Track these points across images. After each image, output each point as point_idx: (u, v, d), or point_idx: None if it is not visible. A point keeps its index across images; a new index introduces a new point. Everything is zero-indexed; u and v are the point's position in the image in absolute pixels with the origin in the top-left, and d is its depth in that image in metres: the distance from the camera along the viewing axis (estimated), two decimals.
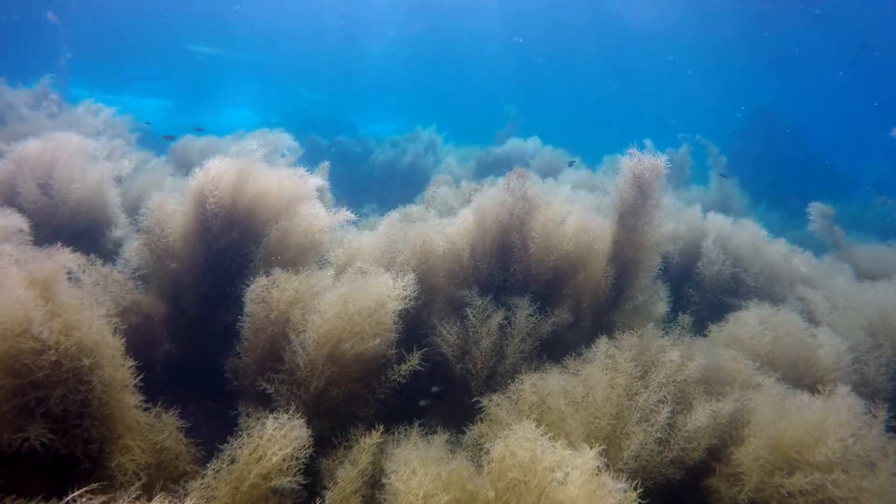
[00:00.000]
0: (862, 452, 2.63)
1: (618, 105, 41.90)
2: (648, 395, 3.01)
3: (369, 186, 11.97)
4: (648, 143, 7.30)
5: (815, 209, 6.98)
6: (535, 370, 3.45)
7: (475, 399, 3.39)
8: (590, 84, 35.36)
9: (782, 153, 18.75)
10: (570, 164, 10.14)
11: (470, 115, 41.89)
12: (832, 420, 2.72)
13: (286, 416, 2.68)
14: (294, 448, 2.59)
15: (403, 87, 38.19)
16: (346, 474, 2.66)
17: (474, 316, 3.72)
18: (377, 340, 3.23)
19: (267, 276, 3.46)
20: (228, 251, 4.02)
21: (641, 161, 3.94)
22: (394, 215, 4.32)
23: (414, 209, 5.82)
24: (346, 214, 4.16)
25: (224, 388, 3.69)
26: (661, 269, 4.90)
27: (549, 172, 9.04)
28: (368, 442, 2.69)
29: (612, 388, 3.09)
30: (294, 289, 3.39)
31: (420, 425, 3.36)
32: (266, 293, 3.39)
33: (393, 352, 3.43)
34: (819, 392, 3.34)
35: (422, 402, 3.71)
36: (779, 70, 28.47)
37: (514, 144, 11.96)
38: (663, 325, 4.41)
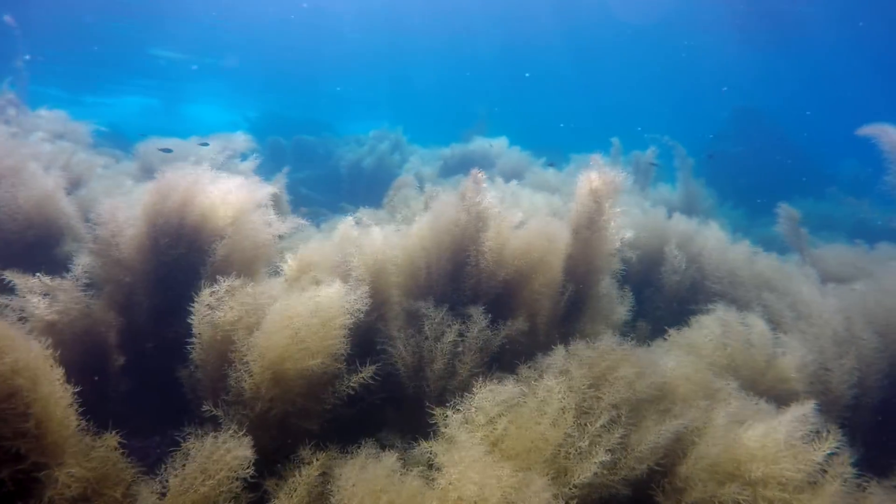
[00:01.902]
0: (803, 468, 2.60)
1: (592, 104, 42.04)
2: (600, 415, 2.96)
3: (338, 187, 11.85)
4: (616, 141, 7.28)
5: (783, 211, 7.01)
6: (490, 380, 3.39)
7: (428, 412, 3.33)
8: (561, 81, 35.39)
9: (764, 152, 18.92)
10: (550, 165, 10.10)
11: (444, 114, 41.78)
12: (775, 436, 2.70)
13: (229, 436, 2.60)
14: (232, 470, 2.51)
15: (378, 87, 37.93)
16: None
17: (429, 329, 3.66)
18: (319, 359, 3.13)
19: (213, 294, 3.35)
20: (178, 264, 3.91)
21: (599, 175, 3.95)
22: (348, 222, 4.22)
23: (376, 214, 5.73)
24: (297, 221, 4.07)
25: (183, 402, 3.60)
26: (622, 274, 4.88)
27: (514, 173, 9.01)
28: (306, 474, 2.60)
29: (563, 410, 3.03)
30: (239, 306, 3.28)
31: (377, 439, 3.31)
32: (211, 313, 3.28)
33: (343, 366, 3.36)
34: (778, 401, 3.35)
35: None
36: (762, 69, 28.79)
37: (480, 144, 11.91)
38: (624, 331, 4.38)
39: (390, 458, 2.90)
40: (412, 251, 4.15)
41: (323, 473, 2.86)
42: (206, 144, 5.79)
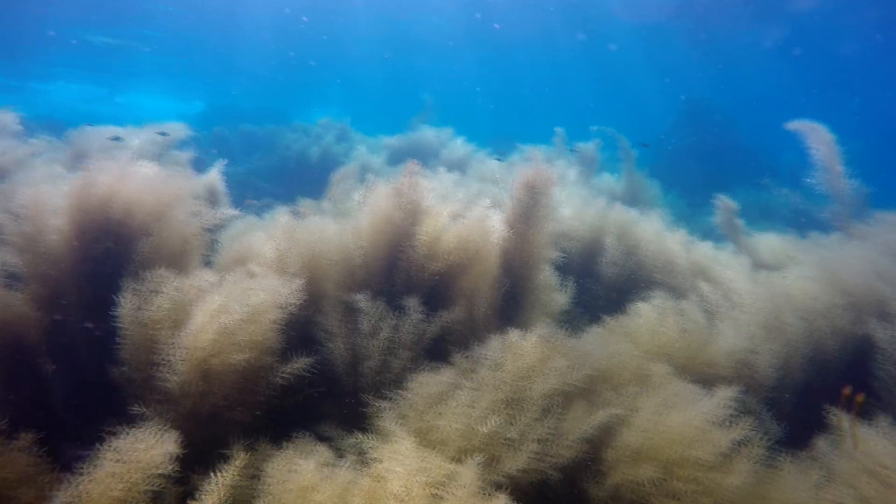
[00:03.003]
0: (716, 450, 2.72)
1: (545, 96, 42.41)
2: (531, 406, 3.01)
3: (289, 178, 11.64)
4: (560, 131, 7.38)
5: (720, 202, 7.25)
6: (427, 371, 3.40)
7: (366, 404, 3.33)
8: (515, 73, 35.56)
9: (713, 144, 19.42)
10: (498, 156, 10.16)
11: (393, 102, 41.46)
12: (693, 421, 2.80)
13: (152, 433, 2.52)
14: (151, 468, 2.44)
15: (327, 75, 37.26)
16: None
17: (365, 325, 3.65)
18: (250, 353, 3.08)
19: (139, 291, 3.24)
20: (105, 258, 3.76)
21: (534, 170, 4.01)
22: (285, 215, 4.16)
23: (319, 205, 5.65)
24: (233, 213, 3.98)
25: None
26: (562, 264, 4.96)
27: (458, 163, 9.04)
28: (227, 474, 2.54)
29: (496, 400, 3.07)
30: (166, 302, 3.19)
31: (315, 431, 3.28)
32: (136, 312, 3.18)
33: (276, 360, 3.32)
34: (708, 385, 3.48)
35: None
36: (714, 63, 29.55)
37: (425, 134, 11.89)
38: (563, 320, 4.46)
39: (324, 453, 2.89)
40: (349, 245, 4.12)
41: (255, 468, 2.83)
42: (118, 139, 5.54)
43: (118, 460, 2.35)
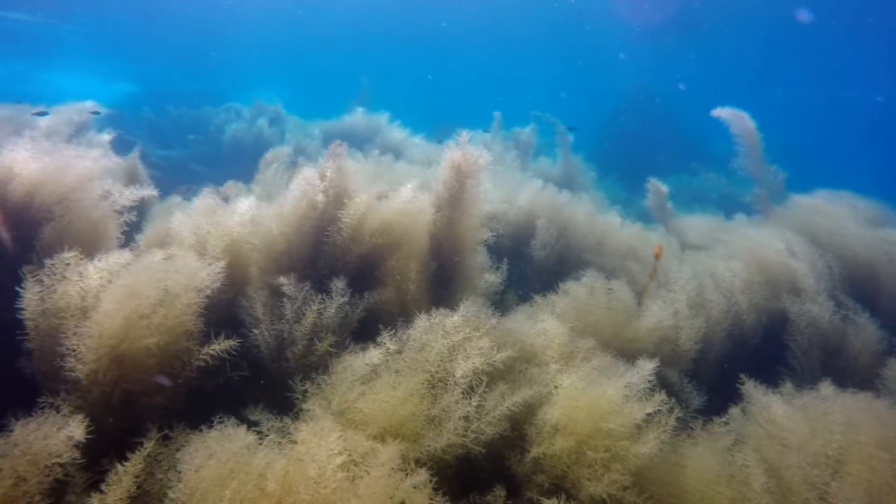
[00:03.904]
0: (628, 421, 2.81)
1: (489, 80, 42.62)
2: (456, 385, 3.03)
3: (223, 162, 11.27)
4: (498, 115, 7.43)
5: (652, 186, 7.48)
6: (354, 352, 3.37)
7: (289, 390, 3.27)
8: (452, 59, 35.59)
9: (653, 130, 19.95)
10: (438, 140, 10.11)
11: (330, 85, 40.78)
12: (609, 395, 2.89)
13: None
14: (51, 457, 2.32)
15: (264, 56, 36.21)
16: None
17: (289, 310, 3.58)
18: (165, 338, 2.97)
19: (38, 278, 3.05)
20: (9, 244, 3.53)
21: (462, 153, 4.02)
22: (207, 197, 4.02)
23: (249, 189, 5.49)
24: (149, 193, 3.80)
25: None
26: (494, 246, 5.01)
27: (394, 147, 8.99)
28: (131, 465, 2.44)
29: (420, 380, 3.07)
30: (72, 288, 3.02)
31: (240, 416, 3.20)
32: (40, 300, 2.99)
33: (195, 344, 3.21)
34: (633, 359, 3.59)
35: None
36: (653, 50, 30.41)
37: (360, 118, 11.75)
38: (495, 301, 4.50)
39: (245, 438, 2.82)
40: (274, 228, 4.04)
41: (171, 455, 2.74)
42: (44, 114, 5.20)
43: (13, 450, 2.23)
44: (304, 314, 3.61)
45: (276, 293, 3.76)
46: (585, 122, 20.83)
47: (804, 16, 22.95)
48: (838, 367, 4.80)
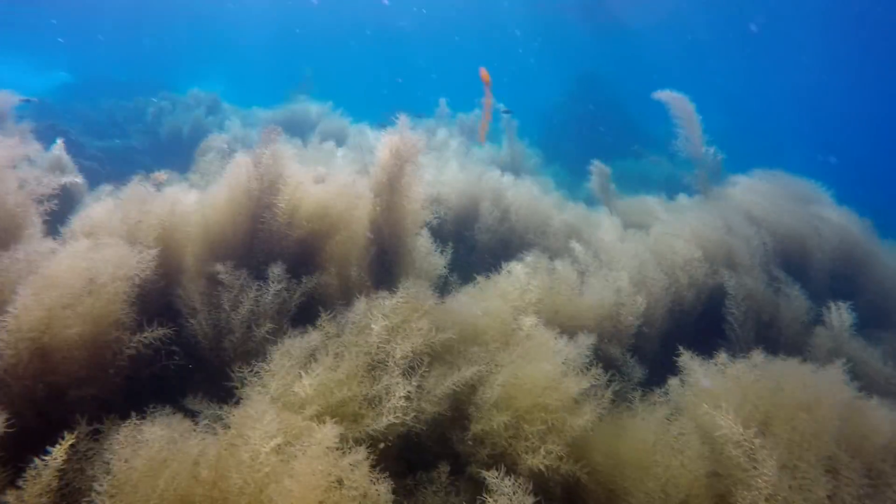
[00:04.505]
0: (565, 396, 2.85)
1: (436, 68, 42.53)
2: (396, 366, 2.99)
3: (159, 151, 10.85)
4: (443, 102, 7.41)
5: (595, 168, 7.60)
6: (292, 338, 3.29)
7: (227, 377, 3.17)
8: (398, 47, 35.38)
9: (600, 116, 20.25)
10: (383, 128, 9.95)
11: (272, 73, 39.91)
12: (546, 371, 2.92)
13: None
14: None
15: (203, 44, 35.08)
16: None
17: (226, 299, 3.48)
18: (88, 328, 2.83)
19: None
20: None
21: (400, 137, 4.00)
22: (138, 184, 3.85)
23: (184, 177, 5.29)
24: (68, 179, 3.61)
25: None
26: (438, 229, 4.98)
27: (336, 135, 8.88)
28: (51, 462, 2.31)
29: (360, 361, 3.03)
30: None
31: (180, 405, 3.08)
32: None
33: (127, 333, 3.08)
34: (573, 338, 3.64)
35: None
36: (602, 36, 30.87)
37: (302, 106, 11.54)
38: (438, 283, 4.49)
39: (180, 426, 2.72)
40: (209, 216, 3.91)
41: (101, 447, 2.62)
42: None
43: None
44: (241, 301, 3.51)
45: (213, 281, 3.65)
46: (534, 109, 21.03)
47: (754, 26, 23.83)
48: (771, 337, 5.00)
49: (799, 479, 2.62)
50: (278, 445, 2.28)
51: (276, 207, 3.90)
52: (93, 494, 2.26)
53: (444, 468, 2.93)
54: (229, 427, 2.44)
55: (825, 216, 6.47)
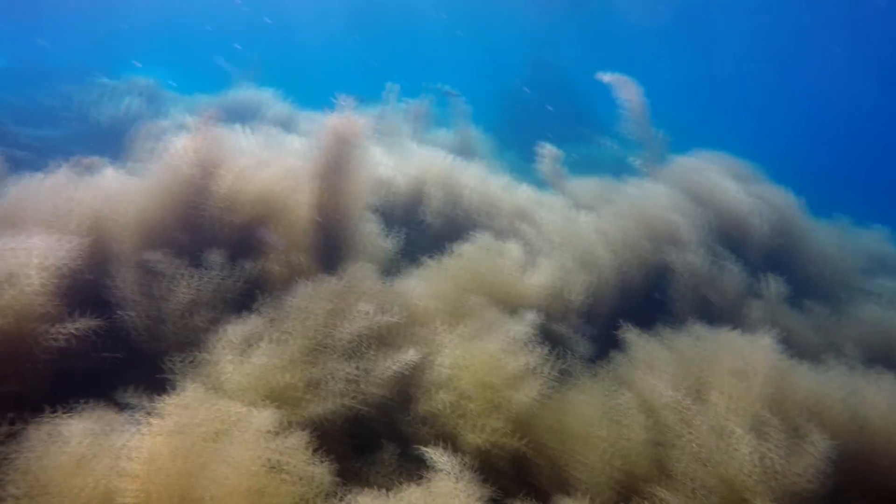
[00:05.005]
0: (507, 374, 2.89)
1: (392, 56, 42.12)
2: (337, 349, 2.97)
3: (98, 141, 10.39)
4: (390, 86, 7.35)
5: (545, 150, 7.68)
6: (233, 324, 3.22)
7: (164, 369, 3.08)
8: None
9: (553, 101, 20.39)
10: (330, 110, 9.78)
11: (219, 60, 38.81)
12: (490, 350, 2.95)
13: None
14: None
15: (149, 27, 33.80)
16: None
17: (162, 289, 3.38)
18: (6, 321, 2.69)
19: None
20: None
21: (343, 119, 3.96)
22: (65, 170, 3.69)
23: (122, 165, 5.08)
24: None
25: None
26: (388, 212, 4.95)
27: (284, 122, 8.71)
28: None
29: (302, 346, 2.99)
30: None
31: (112, 398, 2.97)
32: None
33: (52, 325, 2.95)
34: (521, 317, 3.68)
35: None
36: (554, 21, 31.05)
37: (249, 94, 11.26)
38: (388, 268, 4.46)
39: (112, 420, 2.63)
40: (145, 203, 3.78)
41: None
42: None
43: None
44: (177, 290, 3.42)
45: (149, 270, 3.53)
46: (489, 95, 21.06)
47: None
48: (712, 310, 5.17)
49: (727, 440, 2.73)
50: (214, 432, 2.23)
51: (217, 193, 3.80)
52: (8, 500, 2.16)
53: (391, 448, 2.93)
54: (162, 417, 2.37)
55: (764, 195, 6.72)
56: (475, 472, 2.59)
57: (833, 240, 7.55)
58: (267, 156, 4.21)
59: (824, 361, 4.26)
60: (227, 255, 3.64)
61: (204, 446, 2.17)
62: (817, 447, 2.85)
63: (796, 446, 2.86)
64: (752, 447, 2.77)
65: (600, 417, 3.10)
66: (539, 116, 18.88)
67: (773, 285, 5.18)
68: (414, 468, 2.92)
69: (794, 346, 4.19)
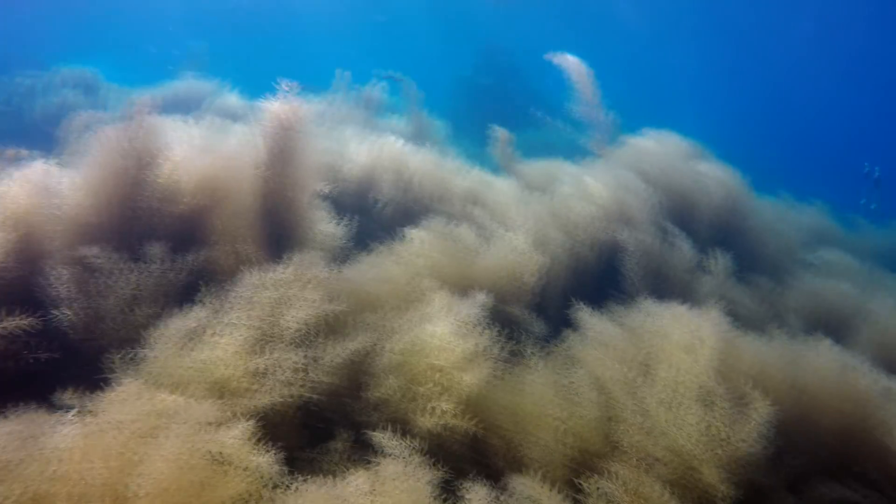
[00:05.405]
0: (457, 355, 2.87)
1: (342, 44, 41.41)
2: (283, 338, 2.89)
3: (29, 133, 9.85)
4: (340, 73, 7.21)
5: (496, 133, 7.68)
6: (177, 316, 3.10)
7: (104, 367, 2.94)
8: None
9: (507, 87, 20.40)
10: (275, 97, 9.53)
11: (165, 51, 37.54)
12: (440, 333, 2.92)
13: None
14: None
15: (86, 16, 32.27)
16: None
17: (100, 285, 3.23)
18: None
19: None
20: None
21: (285, 105, 3.87)
22: None
23: (57, 158, 4.81)
24: None
25: None
26: (339, 199, 4.85)
27: (232, 112, 8.48)
28: None
29: (248, 335, 2.90)
30: None
31: (46, 401, 2.83)
32: None
33: None
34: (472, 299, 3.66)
35: None
36: (507, 7, 31.02)
37: (194, 85, 10.89)
38: (337, 254, 4.37)
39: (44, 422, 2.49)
40: (79, 196, 3.60)
41: None
42: None
43: None
44: (116, 286, 3.27)
45: (86, 266, 3.37)
46: (444, 82, 20.93)
47: None
48: (663, 286, 5.27)
49: (675, 411, 2.78)
50: (151, 428, 2.14)
51: (154, 184, 3.65)
52: None
53: (345, 437, 2.88)
54: (95, 415, 2.26)
55: (711, 173, 6.88)
56: (428, 454, 2.57)
57: (777, 215, 7.83)
58: (209, 145, 4.05)
59: (768, 331, 4.41)
60: (169, 248, 3.52)
61: (140, 442, 2.08)
62: (760, 413, 2.94)
63: (741, 414, 2.94)
64: (699, 417, 2.83)
65: (553, 396, 3.12)
66: (494, 102, 18.90)
67: (721, 260, 5.31)
68: (367, 454, 2.88)
69: (740, 319, 4.32)
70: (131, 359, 2.95)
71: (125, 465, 2.02)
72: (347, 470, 2.36)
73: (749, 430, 2.88)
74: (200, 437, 2.16)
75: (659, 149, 7.46)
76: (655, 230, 5.78)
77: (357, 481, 2.10)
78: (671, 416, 2.76)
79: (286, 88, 3.96)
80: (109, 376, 2.92)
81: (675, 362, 3.07)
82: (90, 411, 2.28)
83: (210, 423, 2.28)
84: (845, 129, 37.77)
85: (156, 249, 3.44)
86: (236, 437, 2.23)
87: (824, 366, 3.54)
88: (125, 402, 2.32)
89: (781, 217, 7.71)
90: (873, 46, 34.67)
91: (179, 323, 3.03)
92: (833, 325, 4.99)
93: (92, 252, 3.35)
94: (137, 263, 3.42)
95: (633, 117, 9.91)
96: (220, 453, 2.13)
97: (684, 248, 5.50)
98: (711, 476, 2.70)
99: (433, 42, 39.98)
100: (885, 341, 4.46)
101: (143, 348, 2.98)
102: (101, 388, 2.93)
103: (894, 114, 36.58)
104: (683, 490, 2.71)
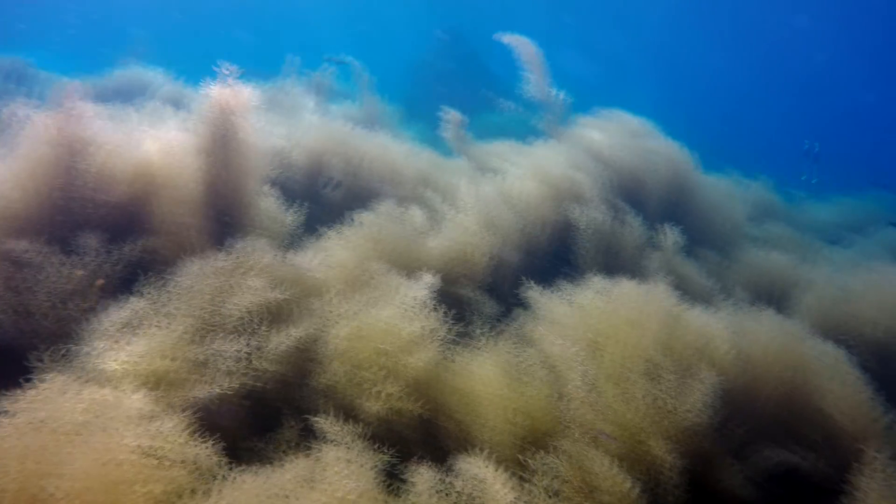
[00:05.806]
0: (403, 339, 2.81)
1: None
2: (225, 327, 2.78)
3: None
4: (290, 58, 7.00)
5: (448, 116, 7.59)
6: (114, 309, 2.95)
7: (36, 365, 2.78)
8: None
9: (464, 72, 20.27)
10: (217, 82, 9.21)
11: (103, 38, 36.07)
12: (387, 318, 2.86)
13: None
14: None
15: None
16: None
17: (28, 281, 3.04)
18: None
19: None
20: None
21: (227, 90, 3.74)
22: None
23: None
24: None
25: None
26: (287, 186, 4.71)
27: (176, 99, 8.18)
28: None
29: (187, 325, 2.77)
30: None
31: None
32: None
33: None
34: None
35: None
36: None
37: (136, 73, 10.41)
38: (285, 240, 4.25)
39: None
40: (6, 188, 3.40)
41: None
42: None
43: None
44: (47, 280, 3.09)
45: (14, 261, 3.18)
46: (400, 66, 20.69)
47: None
48: (614, 262, 5.33)
49: (622, 386, 2.80)
50: (77, 424, 2.02)
51: (87, 173, 3.47)
52: None
53: (292, 425, 2.80)
54: (14, 416, 2.12)
55: (659, 150, 6.97)
56: (376, 440, 2.51)
57: (725, 191, 8.01)
58: (146, 131, 3.86)
59: (715, 304, 4.50)
60: (106, 238, 3.38)
61: (63, 441, 1.95)
62: (705, 384, 2.99)
63: (687, 385, 2.98)
64: (646, 391, 2.86)
65: (503, 376, 3.10)
66: (453, 86, 18.78)
67: (670, 236, 5.39)
68: (314, 442, 2.81)
69: (688, 293, 4.39)
70: (63, 355, 2.80)
71: (44, 465, 1.89)
72: (289, 458, 2.29)
73: (694, 401, 2.93)
74: (131, 431, 2.05)
75: (610, 127, 7.52)
76: (606, 208, 5.82)
77: (296, 469, 2.03)
78: (619, 390, 2.77)
79: (226, 73, 3.80)
80: (35, 375, 2.76)
81: (623, 338, 3.09)
82: (6, 411, 2.13)
83: (143, 417, 2.16)
84: (790, 108, 39.18)
85: (90, 241, 3.28)
86: (171, 430, 2.12)
87: (767, 335, 3.63)
88: (48, 399, 2.18)
89: (729, 192, 7.89)
90: (819, 29, 36.00)
91: (115, 315, 2.89)
92: (776, 296, 5.15)
93: (20, 246, 3.17)
94: (70, 256, 3.26)
95: (589, 98, 9.97)
96: (152, 447, 2.02)
97: (634, 225, 5.56)
98: (658, 447, 2.73)
99: (397, 27, 39.50)
100: (821, 308, 4.63)
101: (75, 344, 2.84)
102: (24, 388, 2.78)
103: (836, 90, 38.18)
104: (632, 463, 2.74)
